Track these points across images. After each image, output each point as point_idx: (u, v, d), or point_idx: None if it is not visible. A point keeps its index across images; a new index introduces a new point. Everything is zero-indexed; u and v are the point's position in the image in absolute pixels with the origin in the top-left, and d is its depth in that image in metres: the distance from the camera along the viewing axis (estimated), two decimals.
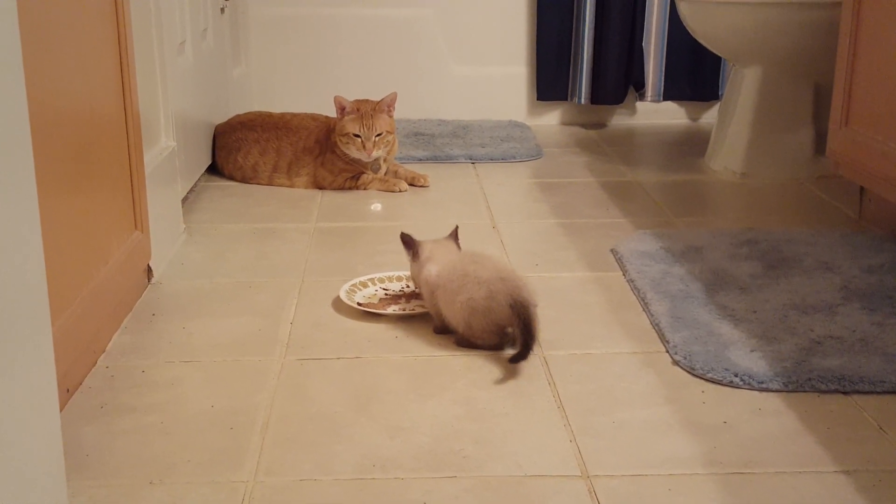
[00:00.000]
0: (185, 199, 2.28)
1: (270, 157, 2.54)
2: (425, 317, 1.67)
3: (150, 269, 1.84)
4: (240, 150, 2.56)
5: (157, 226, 1.86)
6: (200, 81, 2.45)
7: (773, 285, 1.80)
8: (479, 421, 1.35)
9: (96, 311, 1.49)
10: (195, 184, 2.45)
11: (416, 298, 1.76)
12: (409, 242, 1.66)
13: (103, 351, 1.56)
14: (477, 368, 1.51)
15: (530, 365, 1.52)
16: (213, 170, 2.61)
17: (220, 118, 2.66)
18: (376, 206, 2.40)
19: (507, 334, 1.55)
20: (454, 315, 1.54)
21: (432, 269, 1.60)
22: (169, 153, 2.02)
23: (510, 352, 1.52)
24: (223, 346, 1.58)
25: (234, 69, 2.93)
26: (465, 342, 1.56)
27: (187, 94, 2.28)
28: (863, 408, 1.38)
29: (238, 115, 2.67)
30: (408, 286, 1.82)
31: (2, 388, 0.86)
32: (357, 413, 1.37)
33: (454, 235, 1.70)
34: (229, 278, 1.89)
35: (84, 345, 1.45)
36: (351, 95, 2.49)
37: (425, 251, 1.64)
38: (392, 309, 1.72)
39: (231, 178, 2.58)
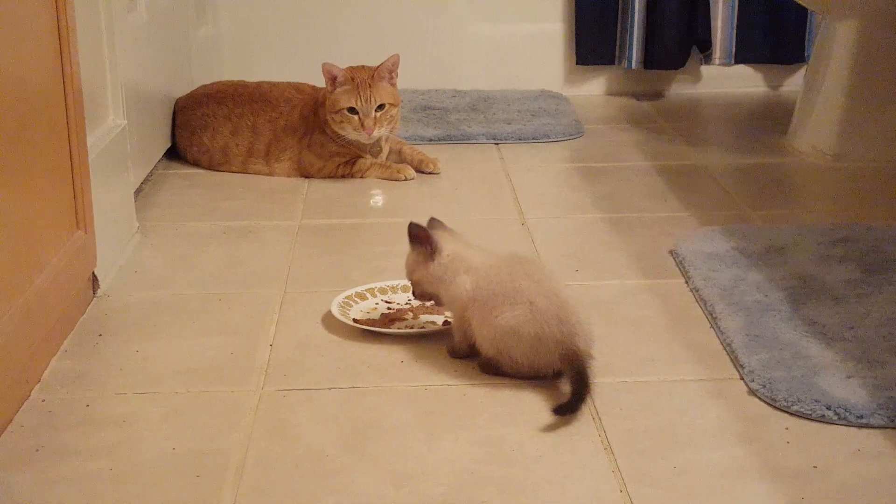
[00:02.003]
0: (138, 191, 2.29)
1: (244, 138, 2.55)
2: (438, 336, 1.67)
3: (95, 278, 1.85)
4: (206, 129, 2.57)
5: (103, 224, 1.87)
6: (157, 44, 2.46)
7: (875, 294, 1.79)
8: (505, 466, 1.35)
9: (28, 331, 1.49)
10: (151, 172, 2.46)
11: (427, 313, 1.76)
12: (421, 237, 1.60)
13: (38, 380, 1.56)
14: (503, 400, 1.51)
15: (569, 396, 1.51)
16: (174, 154, 2.63)
17: (182, 90, 2.67)
18: (376, 199, 2.41)
19: (546, 369, 1.54)
20: (486, 336, 1.54)
21: (466, 280, 1.56)
22: (118, 134, 2.03)
23: (548, 392, 1.52)
24: (187, 374, 1.59)
25: (199, 29, 2.94)
26: (492, 368, 1.56)
27: (140, 60, 2.29)
28: None
29: (204, 86, 2.68)
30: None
31: None
32: (353, 456, 1.37)
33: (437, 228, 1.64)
34: (194, 289, 1.89)
35: (14, 373, 1.46)
36: (343, 61, 2.49)
37: (448, 248, 1.60)
38: (396, 327, 1.72)
39: (196, 163, 2.59)
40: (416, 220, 1.62)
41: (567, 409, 1.44)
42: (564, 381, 1.54)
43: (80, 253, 1.73)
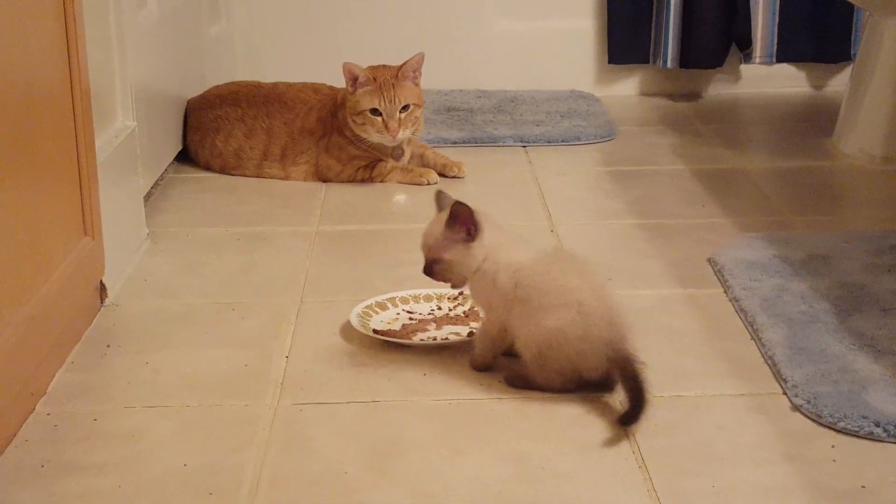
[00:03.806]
0: (148, 196, 2.30)
1: (259, 141, 2.56)
2: (462, 348, 1.67)
3: (103, 287, 1.86)
4: (219, 131, 2.58)
5: (112, 230, 1.88)
6: (168, 43, 2.47)
7: None
8: (533, 484, 1.35)
9: (34, 342, 1.50)
10: (162, 175, 2.47)
11: (451, 324, 1.76)
12: (464, 217, 1.55)
13: (44, 393, 1.57)
14: (531, 415, 1.51)
15: (601, 411, 1.51)
16: (185, 157, 2.64)
17: (194, 91, 2.69)
18: (397, 204, 2.41)
19: (581, 381, 1.54)
20: (531, 336, 1.52)
21: (507, 278, 1.55)
22: (127, 136, 2.04)
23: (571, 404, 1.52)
24: (199, 387, 1.59)
25: (212, 26, 2.96)
26: (521, 380, 1.56)
27: (151, 59, 2.30)
28: None
29: (217, 87, 2.70)
30: (439, 307, 1.82)
31: None
32: (373, 474, 1.37)
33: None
34: (206, 298, 1.90)
35: (19, 385, 1.47)
36: (363, 61, 2.50)
37: (490, 236, 1.57)
38: (419, 338, 1.72)
39: (208, 167, 2.61)
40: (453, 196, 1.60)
41: (631, 418, 1.44)
42: (594, 395, 1.54)
43: (87, 260, 1.74)
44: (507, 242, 1.59)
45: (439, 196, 1.65)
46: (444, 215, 1.58)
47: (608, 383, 1.55)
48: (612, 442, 1.44)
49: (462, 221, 1.57)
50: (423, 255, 1.61)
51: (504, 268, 1.56)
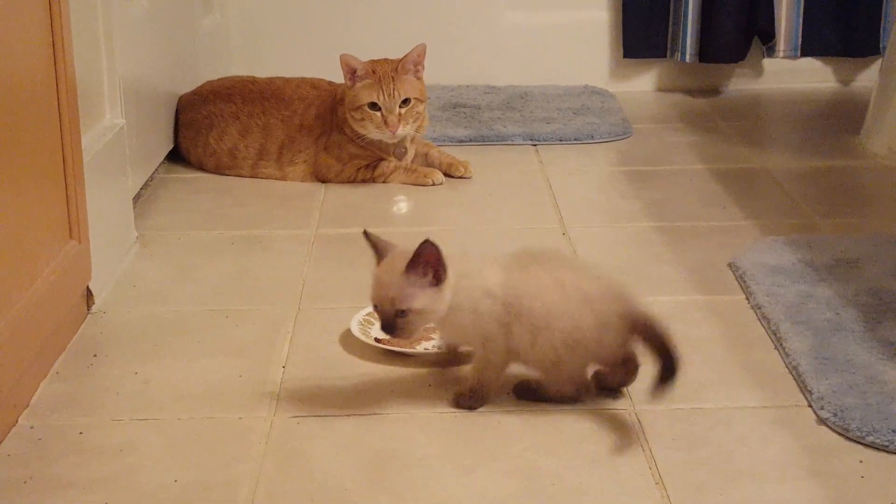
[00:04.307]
0: (137, 197, 2.31)
1: (255, 139, 2.57)
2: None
3: (90, 293, 1.86)
4: (213, 128, 2.59)
5: (99, 234, 1.88)
6: (158, 36, 2.47)
7: None
8: (543, 500, 1.35)
9: (16, 351, 1.50)
10: (152, 176, 2.48)
11: None
12: (433, 260, 1.47)
13: (27, 405, 1.57)
14: (540, 428, 1.51)
15: (615, 423, 1.51)
16: (177, 156, 2.64)
17: (186, 86, 2.69)
18: (400, 206, 2.41)
19: (591, 387, 1.55)
20: (545, 345, 1.51)
21: (490, 304, 1.51)
22: (115, 134, 2.05)
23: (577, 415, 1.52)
24: (190, 399, 1.59)
25: (205, 18, 2.96)
26: (531, 392, 1.56)
27: (140, 53, 2.30)
28: None
29: (210, 82, 2.70)
30: None
31: None
32: (374, 490, 1.37)
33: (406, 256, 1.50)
34: (198, 305, 1.90)
35: (0, 397, 1.47)
36: (364, 54, 2.50)
37: (454, 268, 1.51)
38: (423, 347, 1.72)
39: (201, 167, 2.61)
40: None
41: (667, 379, 1.46)
42: (606, 408, 1.54)
43: (73, 265, 1.74)
44: (474, 269, 1.54)
45: (371, 239, 1.53)
46: (399, 259, 1.49)
47: (621, 380, 1.56)
48: (626, 456, 1.43)
49: (430, 263, 1.47)
50: (378, 310, 1.50)
51: (484, 295, 1.52)
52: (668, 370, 1.47)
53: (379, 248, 1.53)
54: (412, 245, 1.47)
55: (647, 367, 1.54)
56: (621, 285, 1.54)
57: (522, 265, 1.55)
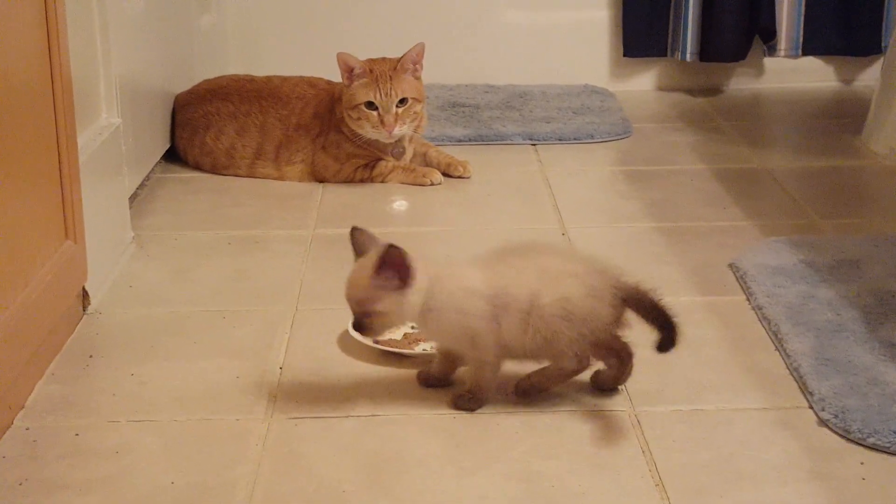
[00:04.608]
0: (133, 197, 2.31)
1: (252, 138, 2.57)
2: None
3: (85, 294, 1.86)
4: (209, 128, 2.59)
5: (95, 234, 1.88)
6: (155, 35, 2.47)
7: None
8: (544, 502, 1.35)
9: (11, 352, 1.50)
10: (148, 175, 2.48)
11: None
12: (398, 263, 1.48)
13: (22, 406, 1.57)
14: (541, 430, 1.51)
15: (615, 426, 1.51)
16: (174, 156, 2.64)
17: (183, 85, 2.69)
18: (399, 206, 2.41)
19: (589, 356, 1.54)
20: (537, 330, 1.51)
21: (476, 302, 1.52)
22: (111, 133, 2.05)
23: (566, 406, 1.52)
24: (187, 401, 1.59)
25: (202, 17, 2.96)
26: (532, 387, 1.56)
27: (137, 52, 2.30)
28: None
29: (207, 81, 2.70)
30: None
31: None
32: (373, 493, 1.37)
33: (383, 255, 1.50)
34: (195, 306, 1.90)
35: None
36: (362, 53, 2.50)
37: (427, 272, 1.52)
38: (421, 348, 1.72)
39: (197, 166, 2.61)
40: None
41: (668, 344, 1.48)
42: (607, 410, 1.54)
43: (69, 265, 1.74)
44: (453, 271, 1.55)
45: (356, 235, 1.55)
46: (369, 261, 1.50)
47: (616, 374, 1.57)
48: (626, 459, 1.44)
49: (394, 267, 1.49)
50: (349, 308, 1.53)
51: (468, 293, 1.52)
52: (667, 333, 1.48)
53: (358, 247, 1.54)
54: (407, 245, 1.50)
55: (646, 365, 1.54)
56: (606, 263, 1.54)
57: (501, 258, 1.56)
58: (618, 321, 1.52)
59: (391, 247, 1.48)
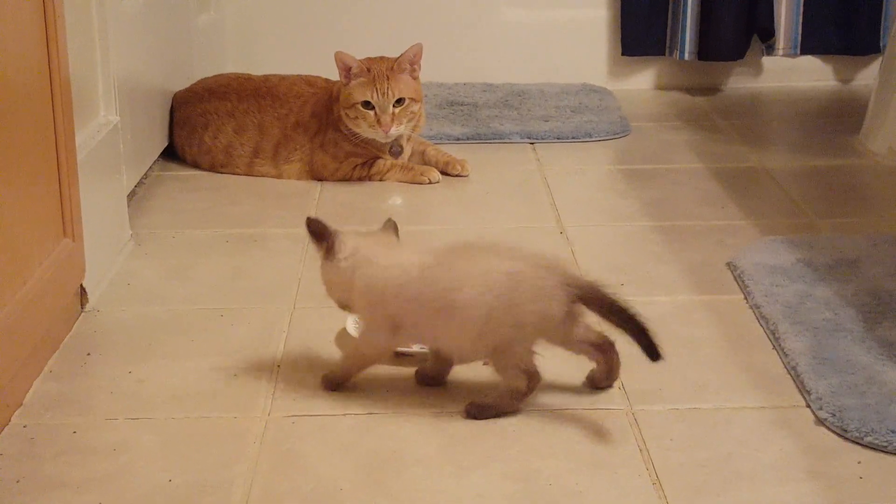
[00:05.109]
0: (131, 195, 2.31)
1: (250, 137, 2.56)
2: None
3: (83, 292, 1.86)
4: (208, 126, 2.59)
5: (93, 232, 1.88)
6: (153, 33, 2.47)
7: None
8: (542, 501, 1.35)
9: (10, 350, 1.50)
10: (146, 174, 2.48)
11: None
12: (310, 228, 1.58)
13: (20, 404, 1.57)
14: (539, 429, 1.51)
15: (613, 425, 1.51)
16: (172, 154, 2.64)
17: (181, 83, 2.69)
18: (397, 204, 2.41)
19: (538, 374, 1.52)
20: (486, 340, 1.49)
21: (410, 272, 1.53)
22: (109, 132, 2.05)
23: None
24: (185, 399, 1.59)
25: (200, 15, 2.96)
26: (481, 407, 1.53)
27: (135, 50, 2.30)
28: None
29: (205, 79, 2.70)
30: None
31: None
32: (370, 491, 1.37)
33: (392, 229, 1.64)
34: (193, 304, 1.90)
35: None
36: (361, 52, 2.50)
37: (352, 244, 1.57)
38: (419, 346, 1.72)
39: (196, 165, 2.61)
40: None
41: (650, 350, 1.46)
42: (604, 408, 1.54)
43: (67, 263, 1.74)
44: (388, 248, 1.59)
45: (311, 225, 1.60)
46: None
47: (607, 369, 1.56)
48: (624, 458, 1.44)
49: (316, 236, 1.58)
50: None
51: (378, 280, 1.55)
52: (642, 340, 1.46)
53: (315, 237, 1.59)
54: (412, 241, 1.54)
55: (643, 364, 1.54)
56: (557, 261, 1.53)
57: (443, 260, 1.54)
58: (573, 319, 1.50)
59: (307, 218, 1.58)
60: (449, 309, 1.50)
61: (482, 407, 1.53)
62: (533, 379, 1.52)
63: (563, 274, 1.50)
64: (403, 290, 1.53)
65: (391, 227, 1.65)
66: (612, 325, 1.49)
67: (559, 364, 1.59)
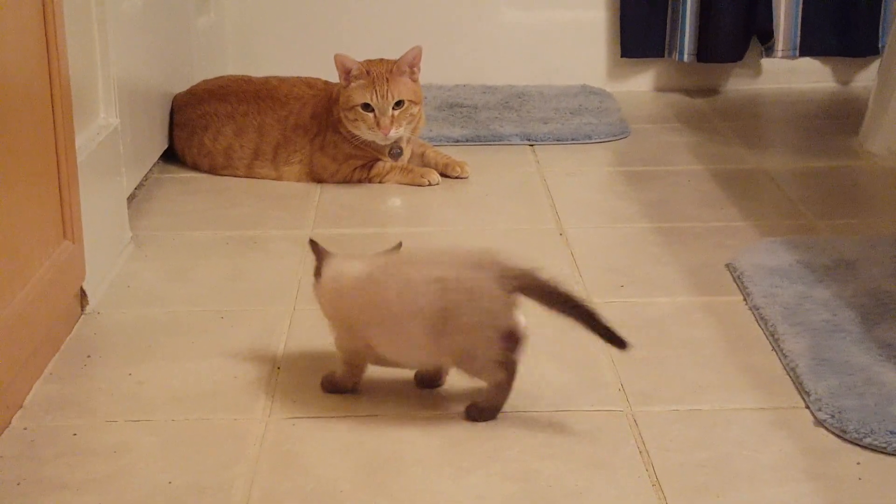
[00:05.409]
0: (131, 198, 2.31)
1: (250, 139, 2.57)
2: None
3: (84, 294, 1.86)
4: (207, 128, 2.59)
5: (93, 234, 1.88)
6: (153, 35, 2.47)
7: None
8: (541, 503, 1.35)
9: (10, 352, 1.50)
10: (146, 176, 2.48)
11: None
12: (313, 251, 1.61)
13: (20, 406, 1.57)
14: (538, 430, 1.51)
15: (612, 426, 1.51)
16: (172, 156, 2.64)
17: (181, 86, 2.69)
18: (396, 206, 2.41)
19: (514, 361, 1.50)
20: (445, 346, 1.49)
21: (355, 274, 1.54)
22: (109, 134, 2.05)
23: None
24: (185, 400, 1.60)
25: (200, 17, 2.96)
26: (478, 410, 1.52)
27: (135, 52, 2.30)
28: None
29: (205, 81, 2.70)
30: None
31: None
32: (370, 492, 1.37)
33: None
34: (193, 306, 1.91)
35: None
36: (360, 54, 2.51)
37: (338, 269, 1.58)
38: None
39: (195, 167, 2.61)
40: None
41: (612, 338, 1.46)
42: (604, 409, 1.54)
43: (67, 265, 1.74)
44: (341, 260, 1.60)
45: (311, 244, 1.63)
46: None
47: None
48: (624, 459, 1.44)
49: (315, 256, 1.61)
50: None
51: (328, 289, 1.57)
52: (589, 322, 1.45)
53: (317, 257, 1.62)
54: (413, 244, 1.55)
55: (643, 364, 1.54)
56: (489, 255, 1.50)
57: (376, 272, 1.55)
58: (512, 308, 1.48)
59: (310, 239, 1.61)
60: (388, 321, 1.51)
61: (480, 410, 1.53)
62: (510, 365, 1.50)
63: (497, 268, 1.48)
64: (350, 301, 1.55)
65: (397, 249, 1.65)
66: (561, 316, 1.46)
67: (558, 364, 1.59)
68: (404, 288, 1.50)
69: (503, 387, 1.51)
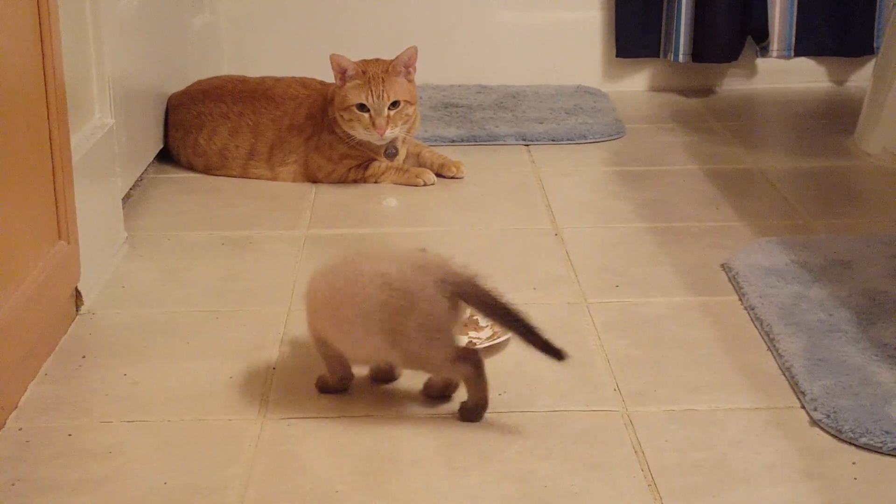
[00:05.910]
0: (126, 198, 2.30)
1: (245, 139, 2.56)
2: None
3: (78, 294, 1.86)
4: (202, 128, 2.59)
5: (88, 234, 1.88)
6: (148, 34, 2.47)
7: None
8: (538, 503, 1.35)
9: (5, 353, 1.50)
10: (141, 176, 2.47)
11: None
12: None
13: (15, 407, 1.57)
14: (535, 430, 1.51)
15: (608, 426, 1.51)
16: (167, 156, 2.64)
17: (176, 86, 2.69)
18: (391, 206, 2.41)
19: (479, 355, 1.51)
20: (401, 351, 1.50)
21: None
22: (104, 134, 2.04)
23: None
24: (180, 401, 1.59)
25: (195, 17, 2.96)
26: (468, 410, 1.53)
27: (130, 52, 2.30)
28: None
29: (200, 81, 2.70)
30: None
31: None
32: (366, 493, 1.37)
33: None
34: (188, 306, 1.90)
35: None
36: (356, 54, 2.51)
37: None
38: (471, 336, 1.72)
39: (190, 167, 2.61)
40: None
41: (556, 355, 1.45)
42: (600, 409, 1.54)
43: (61, 266, 1.74)
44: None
45: None
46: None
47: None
48: (619, 459, 1.44)
49: None
50: None
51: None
52: (526, 335, 1.45)
53: None
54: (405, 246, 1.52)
55: (638, 365, 1.54)
56: (434, 259, 1.51)
57: (329, 272, 1.56)
58: (457, 310, 1.49)
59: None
60: (335, 312, 1.52)
61: (469, 410, 1.53)
62: (470, 357, 1.51)
63: (439, 272, 1.49)
64: (312, 291, 1.57)
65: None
66: (498, 325, 1.47)
67: (553, 365, 1.59)
68: (352, 278, 1.51)
69: (474, 379, 1.51)
